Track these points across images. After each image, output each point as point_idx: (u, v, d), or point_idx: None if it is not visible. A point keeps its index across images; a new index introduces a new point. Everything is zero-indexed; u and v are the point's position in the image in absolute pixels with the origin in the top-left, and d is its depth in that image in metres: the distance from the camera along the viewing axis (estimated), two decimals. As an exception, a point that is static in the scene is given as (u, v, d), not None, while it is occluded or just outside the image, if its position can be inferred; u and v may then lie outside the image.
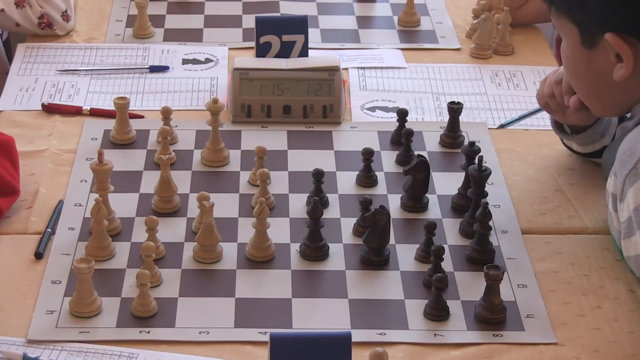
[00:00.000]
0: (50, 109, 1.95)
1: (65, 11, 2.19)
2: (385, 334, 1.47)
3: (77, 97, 2.00)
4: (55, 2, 2.17)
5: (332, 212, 1.71)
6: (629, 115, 1.65)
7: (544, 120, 1.97)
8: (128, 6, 2.33)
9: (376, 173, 1.79)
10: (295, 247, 1.62)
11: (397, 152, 1.85)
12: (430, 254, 1.55)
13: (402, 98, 2.03)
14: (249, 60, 1.98)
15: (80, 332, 1.45)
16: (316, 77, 1.93)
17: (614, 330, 1.50)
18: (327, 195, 1.72)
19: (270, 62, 1.96)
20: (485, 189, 1.67)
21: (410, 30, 2.28)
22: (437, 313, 1.50)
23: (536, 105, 1.87)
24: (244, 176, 1.79)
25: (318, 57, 2.03)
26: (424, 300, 1.52)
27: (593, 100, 1.66)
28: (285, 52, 2.00)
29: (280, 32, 2.00)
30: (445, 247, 1.61)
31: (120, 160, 1.79)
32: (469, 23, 2.27)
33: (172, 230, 1.65)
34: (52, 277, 1.55)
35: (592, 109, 1.67)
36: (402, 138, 1.84)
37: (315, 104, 1.93)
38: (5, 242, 1.62)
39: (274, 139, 1.89)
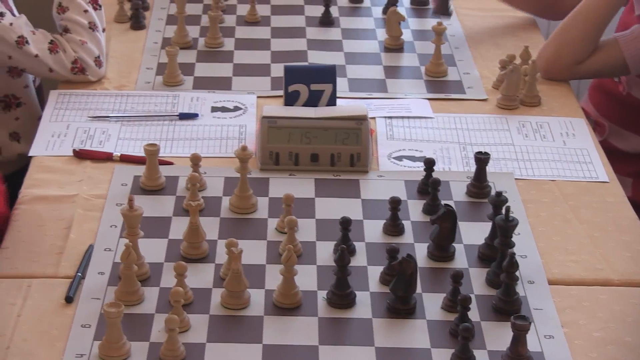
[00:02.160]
0: (81, 155, 1.98)
1: (98, 57, 2.22)
2: (411, 382, 1.48)
3: (108, 143, 2.03)
4: (89, 47, 2.21)
5: (359, 260, 1.72)
6: None
7: (570, 171, 1.99)
8: (158, 54, 2.36)
9: (403, 222, 1.80)
10: (322, 295, 1.64)
11: (424, 201, 1.86)
12: (457, 303, 1.56)
13: (429, 147, 2.05)
14: (277, 108, 2.01)
15: (109, 376, 1.47)
16: (344, 126, 1.95)
17: (641, 383, 1.51)
18: (354, 243, 1.74)
19: (299, 111, 1.99)
20: (512, 239, 1.68)
21: (437, 80, 2.30)
22: (464, 362, 1.51)
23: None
24: (272, 223, 1.81)
25: (346, 106, 2.05)
26: (450, 350, 1.52)
27: None
28: (313, 100, 2.02)
29: (309, 81, 2.02)
30: (472, 296, 1.62)
31: (150, 206, 1.81)
32: (495, 74, 2.29)
33: (200, 276, 1.67)
34: (81, 321, 1.56)
35: None
36: (429, 187, 1.85)
37: (343, 152, 1.96)
38: (36, 286, 1.64)
39: (301, 186, 1.91)
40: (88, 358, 1.49)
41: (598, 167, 2.02)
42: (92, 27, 2.23)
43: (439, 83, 2.29)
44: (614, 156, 2.16)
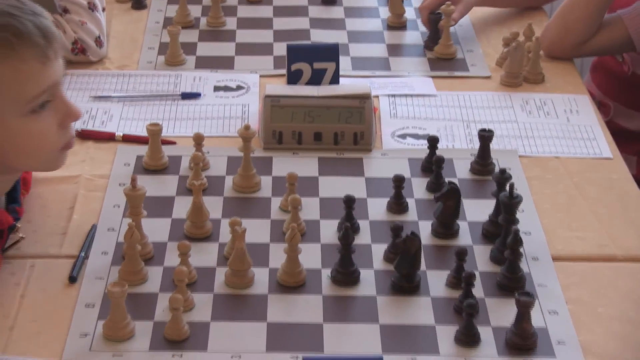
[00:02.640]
0: (83, 135, 1.98)
1: (99, 37, 2.22)
2: (416, 359, 1.48)
3: (110, 123, 2.03)
4: (89, 27, 2.21)
5: (363, 238, 1.72)
6: None
7: (573, 148, 1.99)
8: (160, 34, 2.36)
9: (407, 200, 1.80)
10: (326, 273, 1.64)
11: (428, 179, 1.86)
12: (461, 280, 1.57)
13: (432, 125, 2.05)
14: (280, 87, 2.01)
15: (113, 356, 1.47)
16: (347, 105, 1.95)
17: (645, 358, 1.51)
18: (358, 221, 1.74)
19: (302, 90, 1.98)
20: (516, 216, 1.68)
21: (440, 58, 2.30)
22: (468, 339, 1.51)
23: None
24: (276, 202, 1.81)
25: (349, 84, 2.05)
26: (454, 326, 1.53)
27: None
28: (316, 79, 2.03)
29: (312, 60, 2.02)
30: (476, 273, 1.62)
31: (153, 186, 1.81)
32: (499, 51, 2.28)
33: (204, 255, 1.67)
34: (85, 301, 1.57)
35: None
36: (432, 165, 1.85)
37: (346, 131, 1.96)
38: (39, 267, 1.64)
39: (305, 165, 1.91)
40: (92, 337, 1.50)
41: (602, 144, 2.02)
42: (92, 7, 2.23)
43: (442, 61, 2.29)
44: (620, 135, 2.16)
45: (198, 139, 1.87)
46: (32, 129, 1.57)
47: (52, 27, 1.57)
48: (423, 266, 1.65)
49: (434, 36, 2.30)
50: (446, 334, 1.53)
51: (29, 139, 1.58)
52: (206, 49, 2.32)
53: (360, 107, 1.95)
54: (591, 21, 2.25)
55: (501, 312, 1.57)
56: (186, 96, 2.13)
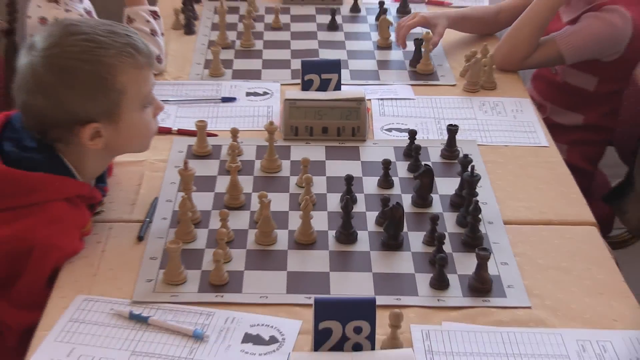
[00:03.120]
0: (148, 130, 1.96)
1: (159, 55, 2.20)
2: (400, 299, 1.47)
3: (168, 120, 2.00)
4: (151, 48, 2.17)
5: (359, 207, 1.70)
6: None
7: (519, 138, 1.97)
8: (205, 53, 2.33)
9: (393, 178, 1.78)
10: (332, 234, 1.62)
11: (409, 162, 1.84)
12: (435, 239, 1.55)
13: (412, 122, 2.02)
14: (296, 93, 1.98)
15: (171, 296, 1.46)
16: (347, 106, 1.93)
17: (573, 298, 1.49)
18: (355, 194, 1.72)
19: (313, 94, 1.96)
20: (476, 190, 1.67)
21: (419, 72, 2.26)
22: (440, 284, 1.49)
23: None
24: (293, 180, 1.79)
25: (348, 90, 2.02)
26: (429, 274, 1.52)
27: None
28: (323, 86, 2.00)
29: (320, 72, 2.00)
30: (446, 234, 1.61)
31: (200, 168, 1.79)
32: (462, 65, 2.26)
33: (239, 220, 1.65)
34: (150, 255, 1.56)
35: None
36: (412, 152, 1.83)
37: (347, 126, 1.93)
38: (116, 229, 1.63)
39: (315, 152, 1.89)
40: (155, 282, 1.49)
41: (540, 135, 1.99)
42: (153, 33, 2.20)
43: (419, 73, 2.26)
44: (554, 129, 2.13)
45: (234, 132, 1.85)
46: (143, 119, 1.60)
47: (148, 43, 1.60)
48: (405, 228, 1.63)
49: (417, 56, 2.27)
50: (423, 280, 1.51)
51: (140, 127, 1.60)
52: (240, 64, 2.29)
53: (357, 107, 1.93)
54: (533, 40, 2.22)
55: (465, 264, 1.55)
56: (225, 100, 2.10)
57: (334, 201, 1.72)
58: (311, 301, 1.35)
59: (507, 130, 2.00)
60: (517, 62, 2.25)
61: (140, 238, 1.60)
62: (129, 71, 1.53)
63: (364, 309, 1.31)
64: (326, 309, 1.30)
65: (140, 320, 1.40)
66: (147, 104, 1.59)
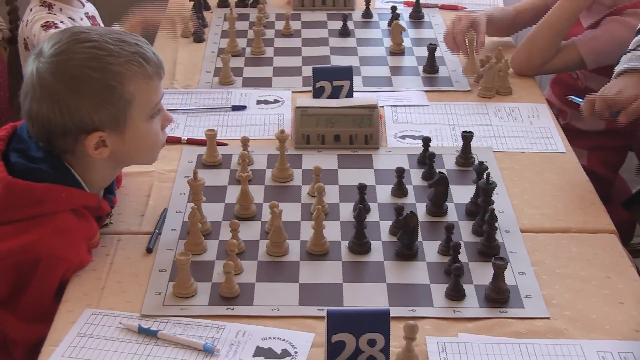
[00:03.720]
0: (157, 139, 1.95)
1: None
2: (415, 310, 1.45)
3: (177, 129, 1.99)
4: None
5: (373, 216, 1.68)
6: None
7: (535, 144, 1.95)
8: (215, 61, 2.32)
9: (407, 186, 1.76)
10: (344, 244, 1.60)
11: (423, 170, 1.82)
12: (450, 248, 1.53)
13: (425, 129, 2.00)
14: (307, 100, 1.97)
15: (180, 309, 1.44)
16: (359, 113, 1.91)
17: (593, 308, 1.47)
18: (369, 203, 1.70)
19: (324, 102, 1.95)
20: (492, 198, 1.65)
21: (431, 77, 2.25)
22: (456, 294, 1.47)
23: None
24: (305, 189, 1.77)
25: (360, 97, 2.00)
26: (445, 284, 1.49)
27: None
28: (335, 94, 1.99)
29: (332, 79, 1.98)
30: (461, 243, 1.59)
31: (210, 178, 1.78)
32: (476, 71, 2.24)
33: (250, 231, 1.64)
34: (159, 267, 1.54)
35: None
36: (426, 159, 1.81)
37: (359, 133, 1.92)
38: (124, 240, 1.62)
39: (327, 160, 1.87)
40: (164, 295, 1.47)
41: (557, 141, 1.97)
42: None
43: (433, 79, 2.24)
44: (574, 134, 2.11)
45: (244, 141, 1.84)
46: (152, 130, 1.58)
47: (159, 54, 1.59)
48: (420, 238, 1.61)
49: (431, 62, 2.25)
50: (439, 290, 1.49)
51: (149, 138, 1.59)
52: (250, 71, 2.28)
53: (370, 114, 1.91)
54: (552, 46, 2.20)
55: (481, 273, 1.53)
56: (235, 108, 2.09)
57: (346, 210, 1.70)
58: (324, 313, 1.33)
59: (523, 136, 1.98)
60: (535, 67, 2.23)
61: (149, 250, 1.58)
62: (137, 81, 1.52)
63: (378, 321, 1.29)
64: (339, 321, 1.29)
65: (149, 334, 1.38)
66: (155, 114, 1.58)
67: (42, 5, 2.08)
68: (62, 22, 2.14)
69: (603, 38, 2.19)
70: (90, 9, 2.22)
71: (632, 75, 1.88)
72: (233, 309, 1.44)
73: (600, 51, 2.19)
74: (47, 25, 2.10)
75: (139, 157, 1.63)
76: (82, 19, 2.12)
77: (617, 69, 1.92)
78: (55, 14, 2.08)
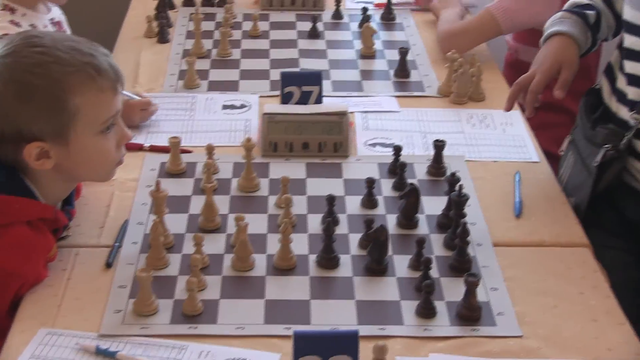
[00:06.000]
0: (118, 146, 1.91)
1: None
2: (384, 329, 1.43)
3: (139, 136, 1.95)
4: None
5: (342, 229, 1.66)
6: None
7: (509, 153, 1.93)
8: (180, 63, 2.29)
9: (377, 197, 1.74)
10: (312, 258, 1.58)
11: (394, 180, 1.80)
12: (421, 263, 1.51)
13: (397, 136, 1.98)
14: (275, 106, 1.94)
15: (141, 328, 1.41)
16: (329, 120, 1.89)
17: (567, 325, 1.46)
18: (338, 215, 1.68)
19: (293, 108, 1.92)
20: (464, 210, 1.63)
21: (403, 81, 2.23)
22: (427, 312, 1.45)
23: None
24: (272, 200, 1.74)
25: (330, 103, 1.98)
26: (416, 301, 1.47)
27: None
28: (304, 99, 1.96)
29: (300, 84, 1.96)
30: (433, 257, 1.57)
31: (173, 187, 1.74)
32: (450, 93, 2.20)
33: (214, 244, 1.61)
34: (119, 283, 1.51)
35: None
36: (397, 169, 1.79)
37: (328, 141, 1.89)
38: (83, 254, 1.58)
39: (295, 169, 1.84)
40: (124, 313, 1.44)
41: (531, 150, 1.96)
42: None
43: (404, 83, 2.22)
44: None
45: (210, 149, 1.81)
46: (101, 146, 1.53)
47: (118, 66, 1.54)
48: (390, 252, 1.59)
49: (402, 66, 2.23)
50: (409, 307, 1.47)
51: (97, 154, 1.53)
52: (216, 74, 2.25)
53: (339, 121, 1.89)
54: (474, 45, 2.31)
55: (453, 289, 1.51)
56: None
57: (315, 222, 1.68)
58: (290, 332, 1.31)
59: (496, 144, 1.97)
60: (461, 51, 2.25)
61: (108, 265, 1.55)
62: (85, 92, 1.47)
63: (346, 343, 1.27)
64: (306, 343, 1.26)
65: (107, 355, 1.35)
66: (106, 130, 1.53)
67: (4, 10, 2.03)
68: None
69: None
70: (57, 13, 2.17)
71: (553, 41, 1.85)
72: (196, 328, 1.41)
73: (511, 9, 2.25)
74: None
75: (88, 173, 1.58)
76: (45, 27, 2.07)
77: (542, 38, 1.91)
78: (17, 21, 2.03)
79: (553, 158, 1.98)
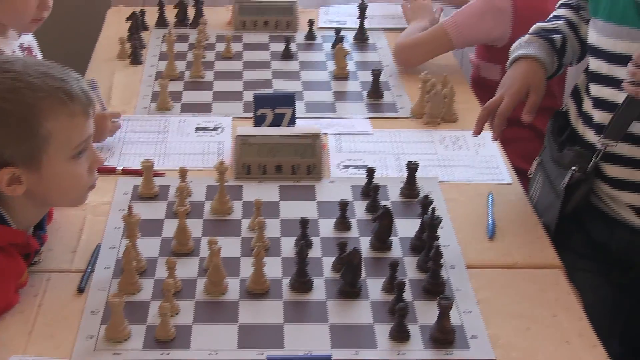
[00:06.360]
0: (90, 169, 1.90)
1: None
2: (358, 352, 1.43)
3: (112, 158, 1.95)
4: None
5: (315, 252, 1.66)
6: None
7: (481, 175, 1.95)
8: (152, 85, 2.29)
9: (350, 220, 1.75)
10: (286, 282, 1.58)
11: (367, 202, 1.81)
12: (394, 286, 1.52)
13: (370, 158, 2.00)
14: (248, 129, 1.94)
15: (113, 355, 1.40)
16: (302, 142, 1.89)
17: (540, 348, 1.46)
18: (311, 238, 1.68)
19: (266, 131, 1.92)
20: (437, 233, 1.64)
21: (376, 102, 2.24)
22: (400, 335, 1.45)
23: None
24: (245, 223, 1.74)
25: (303, 126, 1.99)
26: (389, 325, 1.47)
27: None
28: (277, 121, 1.97)
29: (274, 106, 1.97)
30: (406, 280, 1.57)
31: (146, 211, 1.74)
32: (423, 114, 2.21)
33: (187, 268, 1.60)
34: (91, 308, 1.50)
35: None
36: (370, 191, 1.80)
37: (302, 163, 1.90)
38: (54, 279, 1.57)
39: (268, 192, 1.85)
40: (96, 339, 1.43)
41: (504, 171, 1.97)
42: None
43: (377, 104, 2.23)
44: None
45: (182, 172, 1.81)
46: (72, 171, 1.53)
47: (90, 91, 1.54)
48: (363, 274, 1.59)
49: (375, 87, 2.25)
50: (383, 331, 1.47)
51: (69, 179, 1.53)
52: (190, 96, 2.25)
53: (312, 144, 1.90)
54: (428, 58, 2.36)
55: (426, 312, 1.51)
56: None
57: (288, 245, 1.68)
58: (264, 357, 1.30)
59: (469, 165, 1.98)
60: (414, 65, 2.33)
61: (80, 290, 1.54)
62: (57, 117, 1.47)
63: (320, 367, 1.27)
64: (279, 368, 1.26)
65: (79, 382, 1.34)
66: (78, 155, 1.53)
67: None
68: None
69: (464, 11, 2.33)
70: (27, 39, 2.16)
71: (520, 64, 1.87)
72: (169, 354, 1.41)
73: (463, 24, 2.31)
74: None
75: (60, 198, 1.58)
76: (14, 52, 2.06)
77: (508, 61, 1.92)
78: None
79: (521, 174, 2.00)
